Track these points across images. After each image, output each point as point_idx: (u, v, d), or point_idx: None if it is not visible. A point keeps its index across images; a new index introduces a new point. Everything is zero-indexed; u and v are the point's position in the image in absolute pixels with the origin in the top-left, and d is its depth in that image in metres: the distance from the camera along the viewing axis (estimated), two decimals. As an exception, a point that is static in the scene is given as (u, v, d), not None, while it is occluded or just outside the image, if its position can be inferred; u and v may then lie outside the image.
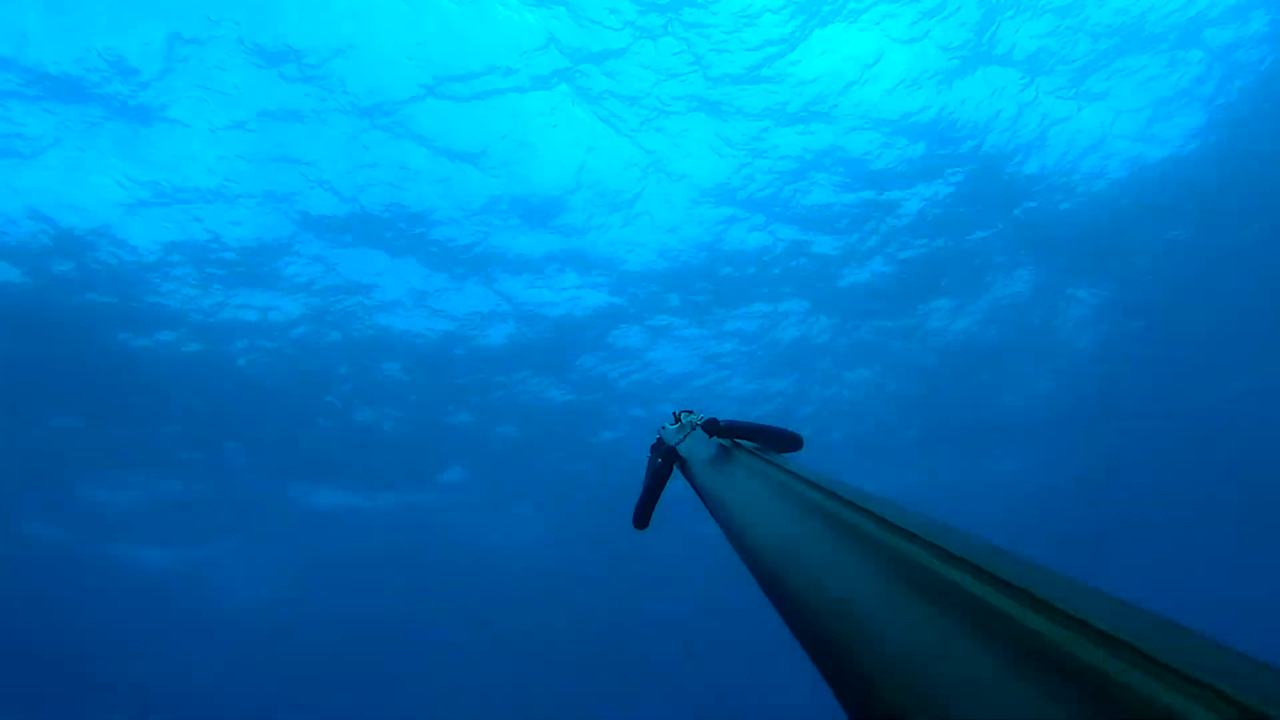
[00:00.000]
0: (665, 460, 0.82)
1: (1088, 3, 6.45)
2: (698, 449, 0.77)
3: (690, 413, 0.88)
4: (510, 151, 7.49)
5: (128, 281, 7.92)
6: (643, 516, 0.85)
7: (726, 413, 0.80)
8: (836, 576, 0.36)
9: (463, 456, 11.49)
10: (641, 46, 6.62)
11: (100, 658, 17.53)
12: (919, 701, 0.26)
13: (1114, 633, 0.24)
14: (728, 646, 17.94)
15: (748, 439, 0.73)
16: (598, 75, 6.89)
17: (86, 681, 18.46)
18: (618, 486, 9.31)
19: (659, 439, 0.87)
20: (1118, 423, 11.43)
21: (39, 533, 12.21)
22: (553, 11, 6.28)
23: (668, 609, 16.65)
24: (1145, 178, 7.96)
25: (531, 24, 6.42)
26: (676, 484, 0.85)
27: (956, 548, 0.32)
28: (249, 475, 11.15)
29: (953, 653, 0.27)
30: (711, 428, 0.74)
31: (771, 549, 0.44)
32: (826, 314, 9.44)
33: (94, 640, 16.74)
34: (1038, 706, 0.23)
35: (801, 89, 7.07)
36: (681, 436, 0.82)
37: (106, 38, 5.99)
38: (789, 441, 0.74)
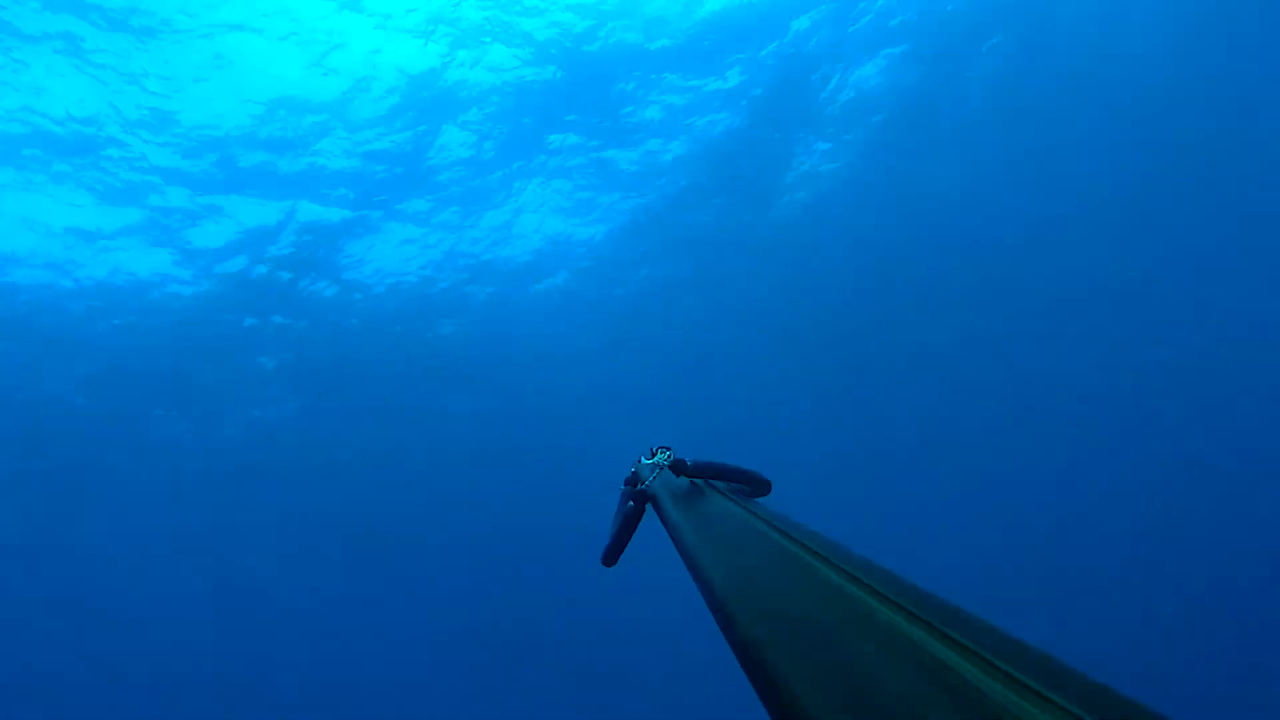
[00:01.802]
0: (637, 503, 0.83)
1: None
2: (669, 486, 0.78)
3: (667, 449, 0.88)
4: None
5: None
6: (612, 557, 0.87)
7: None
8: (785, 610, 0.39)
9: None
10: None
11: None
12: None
13: (990, 656, 0.31)
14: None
15: (717, 479, 0.77)
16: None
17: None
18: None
19: (634, 474, 0.87)
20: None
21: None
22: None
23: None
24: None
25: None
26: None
27: (892, 592, 0.37)
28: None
29: (881, 687, 0.31)
30: (679, 468, 0.77)
31: (728, 583, 0.47)
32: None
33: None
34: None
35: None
36: (653, 476, 0.83)
37: None
38: (758, 485, 0.76)
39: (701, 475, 0.77)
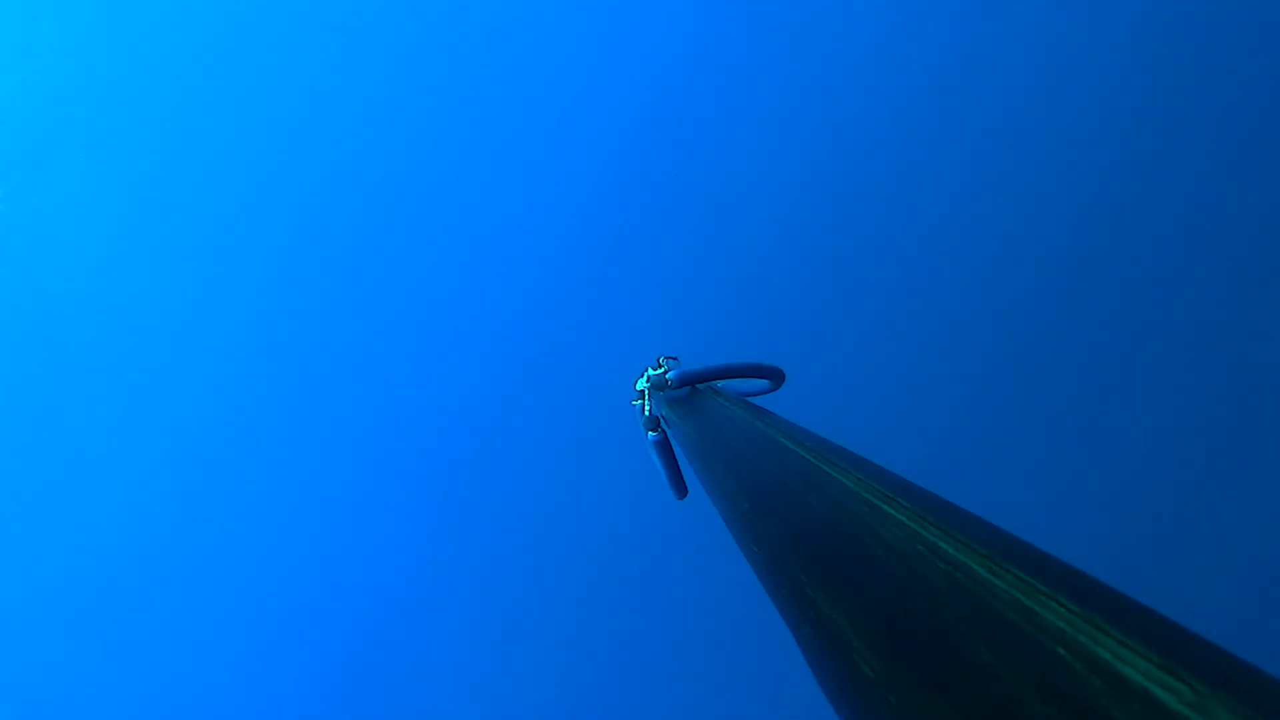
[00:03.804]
0: (656, 429, 0.78)
1: None
2: (674, 402, 0.73)
3: (674, 359, 0.81)
4: None
5: None
6: (678, 488, 0.81)
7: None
8: (807, 524, 0.37)
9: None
10: None
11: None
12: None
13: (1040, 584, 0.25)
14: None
15: (720, 379, 0.71)
16: None
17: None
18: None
19: (641, 404, 0.81)
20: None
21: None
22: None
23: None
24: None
25: None
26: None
27: (919, 505, 0.32)
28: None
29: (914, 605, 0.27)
30: (682, 380, 0.72)
31: (743, 494, 0.44)
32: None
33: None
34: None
35: None
36: (654, 394, 0.78)
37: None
38: (768, 375, 0.70)
39: (700, 380, 0.70)
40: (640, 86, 2.03)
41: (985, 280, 2.03)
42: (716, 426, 0.60)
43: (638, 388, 0.81)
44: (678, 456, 0.78)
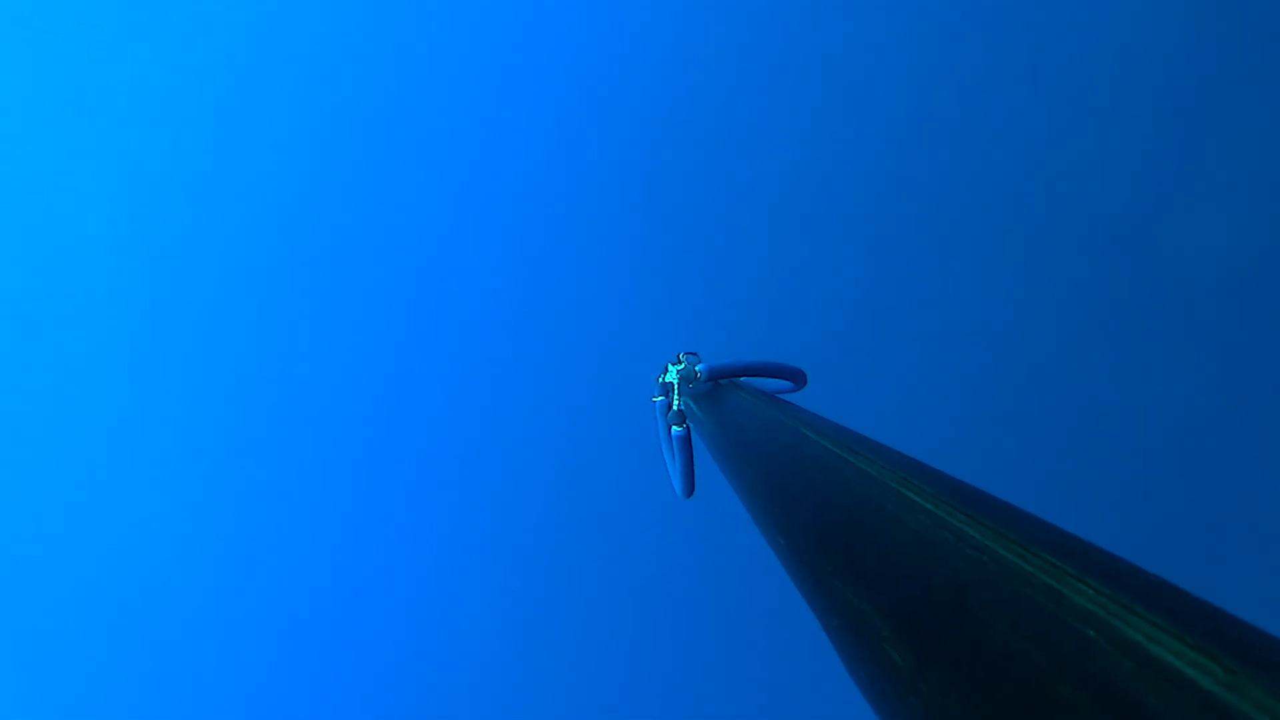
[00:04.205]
0: (680, 424, 0.77)
1: None
2: (698, 397, 0.73)
3: (693, 354, 0.80)
4: None
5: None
6: (687, 486, 0.80)
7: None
8: (828, 513, 0.36)
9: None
10: None
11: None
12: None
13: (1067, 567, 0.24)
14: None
15: (744, 377, 0.71)
16: None
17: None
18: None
19: (666, 400, 0.80)
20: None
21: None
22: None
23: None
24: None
25: None
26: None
27: (947, 494, 0.32)
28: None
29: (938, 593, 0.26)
30: (712, 374, 0.71)
31: (766, 488, 0.44)
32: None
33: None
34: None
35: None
36: (680, 388, 0.77)
37: None
38: (791, 376, 0.71)
39: (728, 375, 0.71)
40: (640, 83, 2.03)
41: (1004, 266, 2.01)
42: (740, 420, 0.60)
43: (665, 381, 0.78)
44: (695, 453, 0.77)
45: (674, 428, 0.77)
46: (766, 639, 1.98)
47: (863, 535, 0.34)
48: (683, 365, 0.77)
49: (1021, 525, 0.28)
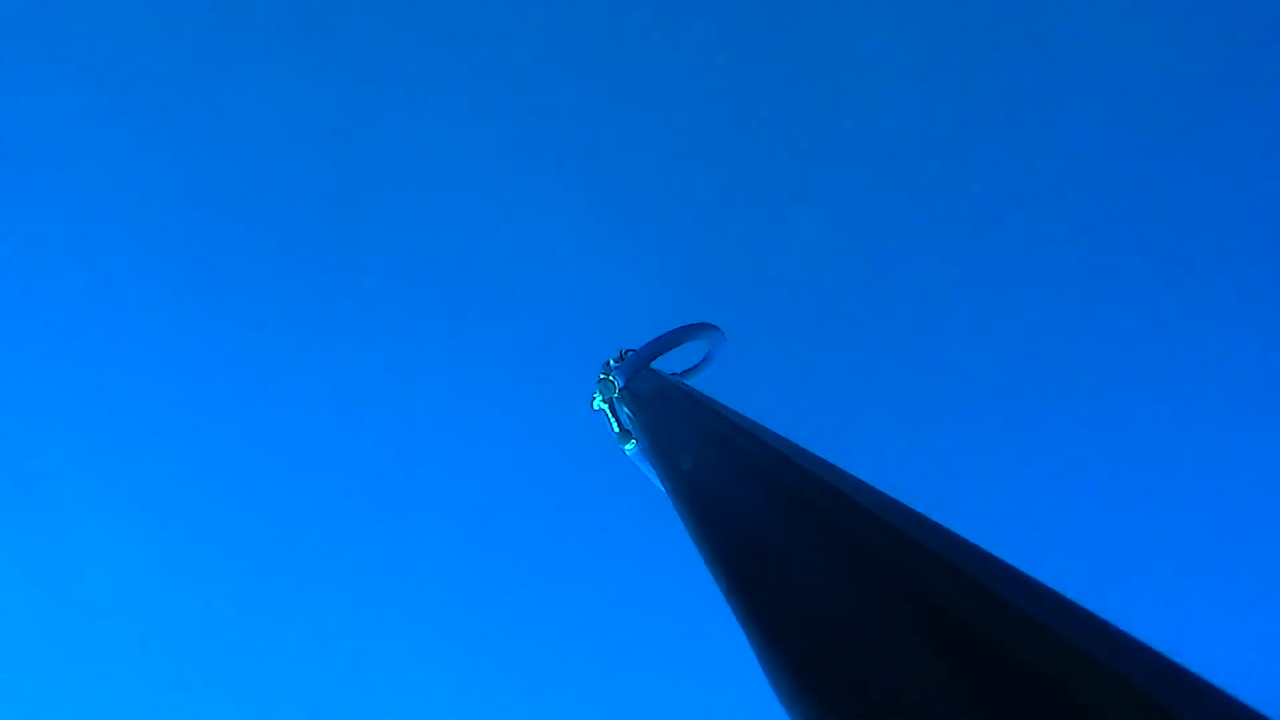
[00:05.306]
0: (633, 438, 0.67)
1: None
2: (636, 402, 0.63)
3: (628, 352, 0.70)
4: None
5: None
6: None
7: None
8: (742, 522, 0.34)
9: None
10: None
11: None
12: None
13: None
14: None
15: (658, 354, 0.64)
16: None
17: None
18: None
19: (606, 418, 0.69)
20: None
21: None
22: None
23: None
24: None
25: None
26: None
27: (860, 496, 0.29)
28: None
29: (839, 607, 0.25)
30: (627, 378, 0.63)
31: (684, 487, 0.41)
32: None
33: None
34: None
35: None
36: (626, 401, 0.66)
37: None
38: (705, 334, 0.65)
39: (639, 369, 0.63)
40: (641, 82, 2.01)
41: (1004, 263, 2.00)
42: (652, 408, 0.55)
43: (595, 406, 0.69)
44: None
45: (624, 448, 0.67)
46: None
47: (758, 536, 0.32)
48: (605, 377, 0.67)
49: (919, 522, 0.26)
